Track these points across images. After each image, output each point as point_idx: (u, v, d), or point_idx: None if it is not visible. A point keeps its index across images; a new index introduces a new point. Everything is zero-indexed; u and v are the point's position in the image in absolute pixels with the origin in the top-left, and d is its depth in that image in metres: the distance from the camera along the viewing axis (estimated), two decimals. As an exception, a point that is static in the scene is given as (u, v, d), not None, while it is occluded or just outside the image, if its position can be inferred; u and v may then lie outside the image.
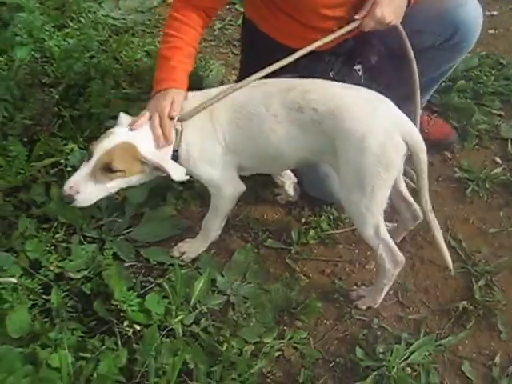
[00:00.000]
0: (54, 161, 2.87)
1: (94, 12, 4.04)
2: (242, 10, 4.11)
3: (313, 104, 2.21)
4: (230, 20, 4.17)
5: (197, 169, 2.40)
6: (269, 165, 2.51)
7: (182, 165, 2.34)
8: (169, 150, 2.32)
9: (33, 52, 3.47)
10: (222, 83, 3.40)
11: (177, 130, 2.32)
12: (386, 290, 2.47)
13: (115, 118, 2.84)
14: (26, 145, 2.88)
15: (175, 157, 2.34)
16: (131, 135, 2.27)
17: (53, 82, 3.31)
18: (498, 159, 3.24)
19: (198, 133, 2.36)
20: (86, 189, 2.18)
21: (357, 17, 2.44)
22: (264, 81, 2.39)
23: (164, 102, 2.32)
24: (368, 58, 2.64)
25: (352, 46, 2.71)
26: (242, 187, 2.49)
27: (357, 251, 2.75)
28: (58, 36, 3.64)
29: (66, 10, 4.00)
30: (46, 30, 3.66)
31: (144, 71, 3.40)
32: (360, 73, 2.63)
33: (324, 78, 2.41)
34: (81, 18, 3.92)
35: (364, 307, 2.51)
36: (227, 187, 2.46)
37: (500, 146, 3.33)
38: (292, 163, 2.50)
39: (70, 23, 3.83)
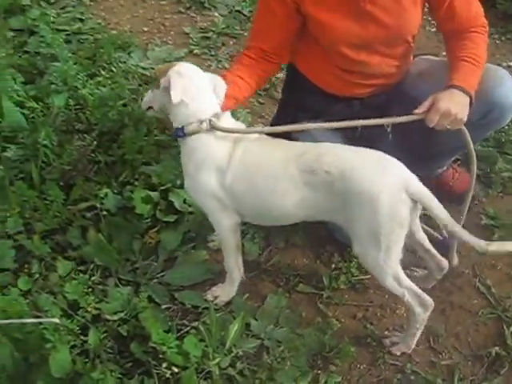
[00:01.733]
0: (90, 205, 2.91)
1: (124, 62, 4.14)
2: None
3: (325, 167, 2.26)
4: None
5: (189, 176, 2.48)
6: (267, 220, 2.58)
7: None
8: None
9: (68, 99, 3.52)
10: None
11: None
12: (418, 334, 2.46)
13: (148, 164, 2.91)
14: (62, 189, 2.91)
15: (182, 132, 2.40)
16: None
17: (86, 129, 3.36)
18: (522, 206, 3.24)
19: (212, 146, 2.40)
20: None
21: (417, 111, 2.44)
22: (285, 142, 2.46)
23: None
24: (398, 115, 2.67)
25: (384, 100, 2.75)
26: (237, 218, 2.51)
27: (387, 296, 2.72)
28: (90, 84, 3.71)
29: (98, 60, 4.09)
30: (79, 79, 3.73)
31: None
32: (389, 129, 2.65)
33: (352, 127, 2.54)
34: (112, 68, 3.98)
35: (398, 353, 2.49)
36: (222, 218, 2.50)
37: (523, 194, 3.33)
38: (294, 221, 2.52)
39: (102, 72, 3.89)
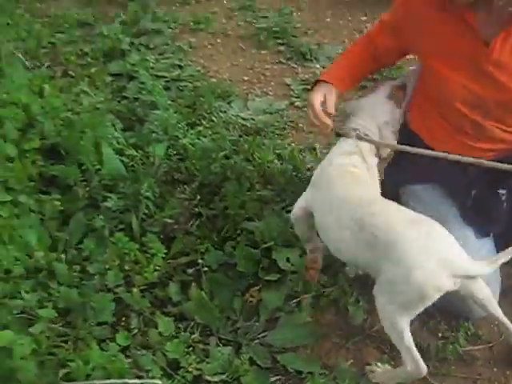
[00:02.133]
0: (190, 259, 2.89)
1: (225, 111, 4.15)
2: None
3: (374, 229, 2.30)
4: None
5: None
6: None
7: None
8: None
9: (168, 149, 3.54)
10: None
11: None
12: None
13: (250, 219, 2.88)
14: (163, 242, 2.90)
15: None
16: None
17: (187, 179, 3.37)
18: None
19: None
20: None
21: None
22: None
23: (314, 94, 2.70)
24: None
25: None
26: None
27: (495, 369, 2.61)
28: (191, 134, 3.74)
29: (198, 109, 4.11)
30: (180, 128, 3.77)
31: (277, 173, 3.41)
32: (503, 198, 2.55)
33: (466, 193, 2.58)
34: (212, 117, 4.01)
35: None
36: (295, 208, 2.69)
37: None
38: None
39: (203, 121, 3.92)
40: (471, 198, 2.62)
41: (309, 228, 2.69)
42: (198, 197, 3.18)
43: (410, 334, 2.32)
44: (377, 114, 2.70)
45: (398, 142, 2.84)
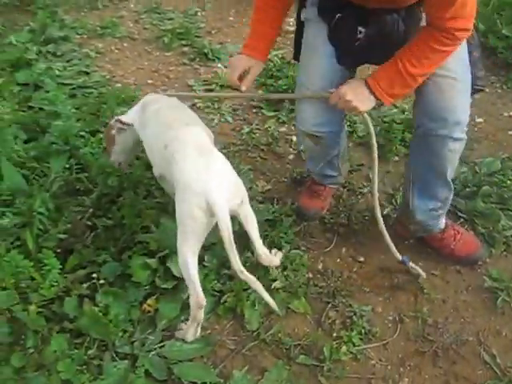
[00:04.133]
0: (87, 272, 2.75)
1: (127, 117, 3.98)
2: (268, 114, 4.06)
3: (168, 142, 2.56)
4: (257, 124, 4.07)
5: None
6: None
7: None
8: None
9: (69, 159, 3.39)
10: (250, 189, 3.30)
11: None
12: (192, 327, 2.54)
13: (147, 227, 2.77)
14: (59, 256, 2.75)
15: None
16: None
17: (86, 189, 3.22)
18: (527, 265, 3.06)
19: None
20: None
21: (331, 90, 2.59)
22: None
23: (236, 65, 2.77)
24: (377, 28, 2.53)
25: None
26: None
27: (389, 367, 2.55)
28: (92, 143, 3.57)
29: (101, 116, 3.94)
30: (82, 136, 3.61)
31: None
32: (360, 35, 2.54)
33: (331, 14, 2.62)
34: (114, 124, 3.85)
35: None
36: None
37: (529, 251, 3.15)
38: None
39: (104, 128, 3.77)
40: (334, 20, 2.60)
41: None
42: (91, 210, 3.02)
43: (194, 265, 2.39)
44: None
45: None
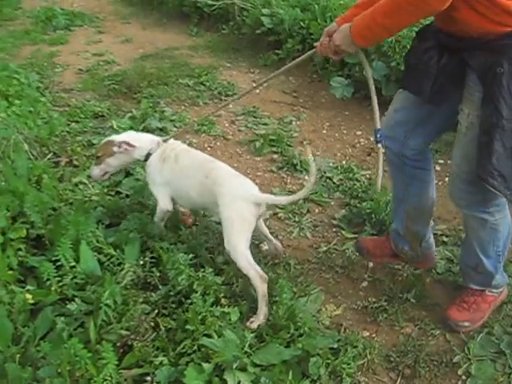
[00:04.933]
0: (142, 372, 2.68)
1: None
2: (347, 235, 3.97)
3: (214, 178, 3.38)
4: (335, 244, 3.96)
5: None
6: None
7: None
8: None
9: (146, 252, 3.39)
10: (318, 311, 3.21)
11: None
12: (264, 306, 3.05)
13: (208, 335, 2.69)
14: (117, 350, 2.70)
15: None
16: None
17: (155, 284, 3.19)
18: None
19: None
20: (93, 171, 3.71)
21: (315, 44, 3.01)
22: None
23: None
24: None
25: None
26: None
27: None
28: (171, 237, 3.56)
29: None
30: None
31: (245, 288, 3.22)
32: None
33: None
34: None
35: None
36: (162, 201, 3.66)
37: None
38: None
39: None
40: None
41: None
42: (156, 310, 2.98)
43: (250, 255, 3.12)
44: None
45: None
